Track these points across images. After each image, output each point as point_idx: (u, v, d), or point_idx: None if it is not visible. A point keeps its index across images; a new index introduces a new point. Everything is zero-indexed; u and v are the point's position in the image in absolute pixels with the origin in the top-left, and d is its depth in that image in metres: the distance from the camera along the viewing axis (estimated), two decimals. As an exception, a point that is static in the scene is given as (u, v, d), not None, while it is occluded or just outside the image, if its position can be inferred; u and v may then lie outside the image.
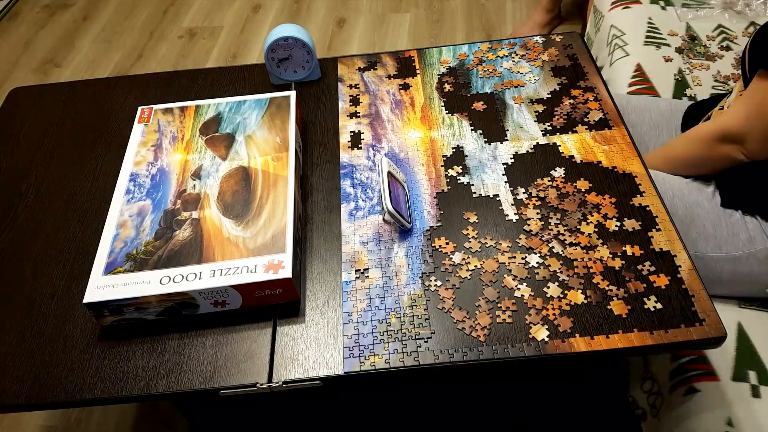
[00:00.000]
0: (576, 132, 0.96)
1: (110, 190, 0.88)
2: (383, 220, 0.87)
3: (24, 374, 0.75)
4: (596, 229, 0.83)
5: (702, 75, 1.36)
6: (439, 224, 0.86)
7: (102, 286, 0.75)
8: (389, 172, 0.85)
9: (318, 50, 1.16)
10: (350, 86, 1.09)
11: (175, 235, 0.81)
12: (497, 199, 0.88)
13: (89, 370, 0.75)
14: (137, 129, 0.97)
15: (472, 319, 0.76)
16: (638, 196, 0.86)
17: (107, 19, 2.52)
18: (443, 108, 1.03)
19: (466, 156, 0.95)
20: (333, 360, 0.74)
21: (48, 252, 0.88)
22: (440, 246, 0.83)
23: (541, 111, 1.00)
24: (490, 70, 1.09)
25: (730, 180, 1.00)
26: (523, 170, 0.92)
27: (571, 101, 1.01)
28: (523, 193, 0.89)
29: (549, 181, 0.90)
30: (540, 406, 1.17)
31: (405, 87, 1.08)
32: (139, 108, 1.00)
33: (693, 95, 1.31)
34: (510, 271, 0.80)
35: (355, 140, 0.99)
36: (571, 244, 0.82)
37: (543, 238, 0.83)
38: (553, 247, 0.82)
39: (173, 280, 0.76)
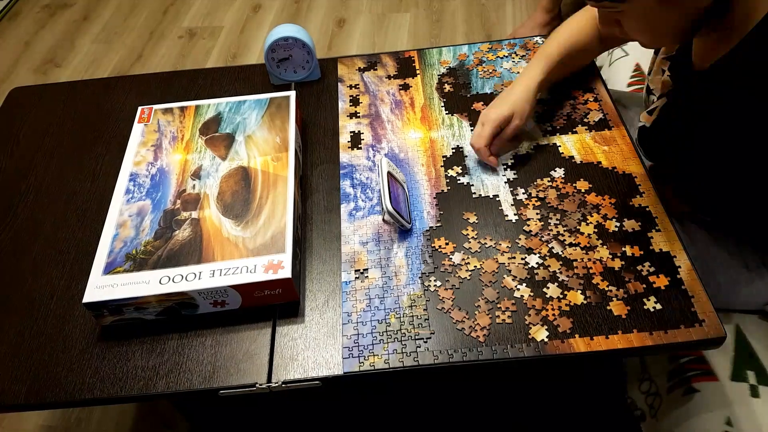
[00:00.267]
0: (576, 132, 0.96)
1: (110, 190, 0.88)
2: (383, 220, 0.87)
3: (23, 374, 0.75)
4: (596, 230, 0.83)
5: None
6: (438, 224, 0.86)
7: (101, 286, 0.75)
8: (389, 173, 0.85)
9: (318, 50, 1.16)
10: (350, 86, 1.09)
11: (175, 235, 0.81)
12: (497, 199, 0.88)
13: (89, 369, 0.75)
14: (137, 129, 0.97)
15: (471, 319, 0.76)
16: (638, 196, 0.86)
17: (107, 19, 2.52)
18: (443, 108, 1.03)
19: (466, 156, 0.95)
20: (332, 360, 0.74)
21: (47, 252, 0.88)
22: (440, 246, 0.83)
23: (540, 111, 1.00)
24: (490, 71, 1.09)
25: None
26: (523, 171, 0.92)
27: (571, 102, 1.01)
28: (523, 193, 0.89)
29: (549, 181, 0.90)
30: (539, 407, 1.17)
31: (405, 87, 1.08)
32: (139, 108, 1.00)
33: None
34: (509, 271, 0.80)
35: (355, 140, 0.99)
36: (570, 245, 0.82)
37: (543, 239, 0.83)
38: (552, 247, 0.82)
39: (173, 280, 0.76)
